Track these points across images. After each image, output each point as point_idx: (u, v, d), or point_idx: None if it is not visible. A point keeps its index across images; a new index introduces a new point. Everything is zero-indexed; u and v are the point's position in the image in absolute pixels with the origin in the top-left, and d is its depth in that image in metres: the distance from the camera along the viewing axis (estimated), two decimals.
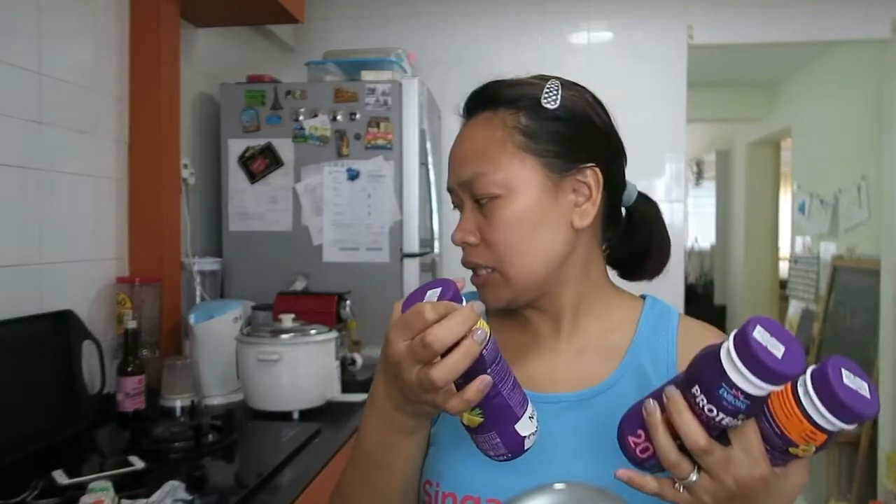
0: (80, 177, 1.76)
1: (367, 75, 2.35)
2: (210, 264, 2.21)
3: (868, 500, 3.35)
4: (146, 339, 1.83)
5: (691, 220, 7.04)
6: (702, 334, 0.81)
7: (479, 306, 0.61)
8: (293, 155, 2.32)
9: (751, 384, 0.54)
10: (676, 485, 0.61)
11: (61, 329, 1.60)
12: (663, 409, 0.60)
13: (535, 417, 0.66)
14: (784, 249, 5.84)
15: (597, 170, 0.77)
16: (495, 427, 0.64)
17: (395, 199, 2.28)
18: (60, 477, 1.24)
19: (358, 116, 2.29)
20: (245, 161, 2.33)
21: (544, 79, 0.79)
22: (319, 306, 2.02)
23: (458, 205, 0.80)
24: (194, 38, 2.34)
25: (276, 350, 1.71)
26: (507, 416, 0.64)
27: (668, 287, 3.42)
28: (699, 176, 7.28)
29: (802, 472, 0.61)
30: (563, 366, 0.81)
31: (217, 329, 1.89)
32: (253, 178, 2.33)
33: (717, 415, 0.56)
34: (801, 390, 0.56)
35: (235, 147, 2.34)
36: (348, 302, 2.07)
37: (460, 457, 0.77)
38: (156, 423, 1.59)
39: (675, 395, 0.59)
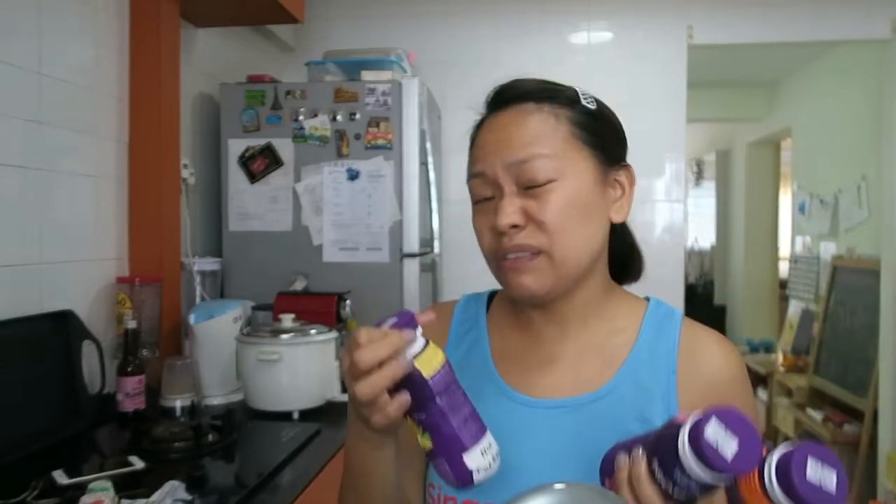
0: (80, 177, 1.76)
1: (367, 75, 2.35)
2: (210, 264, 2.21)
3: (868, 500, 3.35)
4: (146, 339, 1.83)
5: (691, 220, 7.03)
6: (704, 339, 0.81)
7: (408, 335, 0.65)
8: (293, 155, 2.32)
9: (702, 474, 0.56)
10: None
11: (61, 329, 1.60)
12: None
13: (491, 453, 0.67)
14: (784, 249, 5.84)
15: (631, 170, 0.82)
16: (443, 454, 0.66)
17: (395, 199, 2.28)
18: (60, 477, 1.24)
19: (358, 116, 2.29)
20: (245, 161, 2.33)
21: (566, 85, 0.82)
22: (319, 306, 2.02)
23: (486, 195, 0.79)
24: (194, 38, 2.34)
25: (276, 350, 1.71)
26: (455, 446, 0.65)
27: (668, 287, 3.41)
28: (699, 176, 7.28)
29: None
30: (564, 370, 0.81)
31: (217, 329, 1.89)
32: (253, 178, 2.33)
33: (673, 490, 0.58)
34: (766, 474, 0.57)
35: (235, 147, 2.34)
36: (348, 302, 2.07)
37: None
38: (156, 423, 1.59)
39: (637, 465, 0.61)
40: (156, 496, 1.16)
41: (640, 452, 0.61)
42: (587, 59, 3.04)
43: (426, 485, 0.82)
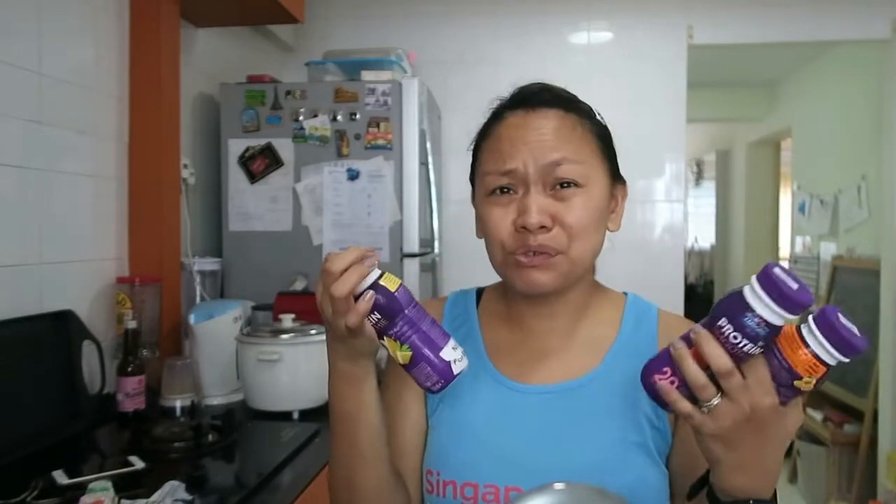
0: (80, 177, 1.76)
1: (367, 75, 2.35)
2: (210, 264, 2.21)
3: (868, 500, 3.35)
4: (146, 339, 1.83)
5: (691, 220, 7.04)
6: (678, 325, 0.85)
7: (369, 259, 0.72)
8: (293, 155, 2.32)
9: (772, 312, 0.62)
10: (702, 408, 0.65)
11: (61, 329, 1.60)
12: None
13: (459, 349, 0.75)
14: (784, 249, 5.84)
15: (626, 186, 0.89)
16: (424, 357, 0.73)
17: (395, 199, 2.28)
18: (60, 477, 1.24)
19: (358, 116, 2.29)
20: (245, 161, 2.33)
21: (577, 97, 0.88)
22: None
23: (506, 186, 0.81)
24: (194, 38, 2.34)
25: (276, 350, 1.71)
26: (431, 346, 0.73)
27: (669, 287, 3.40)
28: (699, 176, 7.28)
29: (799, 413, 0.67)
30: (553, 361, 0.85)
31: (217, 329, 1.89)
32: (253, 178, 2.33)
33: (741, 341, 0.63)
34: (804, 329, 0.64)
35: (235, 147, 2.34)
36: None
37: (459, 445, 0.82)
38: (156, 423, 1.60)
39: (702, 330, 0.65)
40: (156, 496, 1.16)
41: (699, 327, 0.66)
42: (587, 59, 3.04)
43: (424, 473, 0.85)
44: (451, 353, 0.74)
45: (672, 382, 0.68)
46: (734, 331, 0.63)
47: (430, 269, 2.55)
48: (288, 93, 2.32)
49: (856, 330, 0.63)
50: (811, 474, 3.80)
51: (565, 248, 0.79)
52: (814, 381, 0.64)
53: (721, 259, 6.80)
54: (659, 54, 3.01)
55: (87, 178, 1.78)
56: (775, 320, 0.63)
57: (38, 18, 1.60)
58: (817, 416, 3.80)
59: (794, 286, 0.62)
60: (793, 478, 4.11)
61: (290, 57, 3.06)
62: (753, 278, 0.64)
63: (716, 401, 0.65)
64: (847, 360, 0.63)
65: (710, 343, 0.64)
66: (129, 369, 1.70)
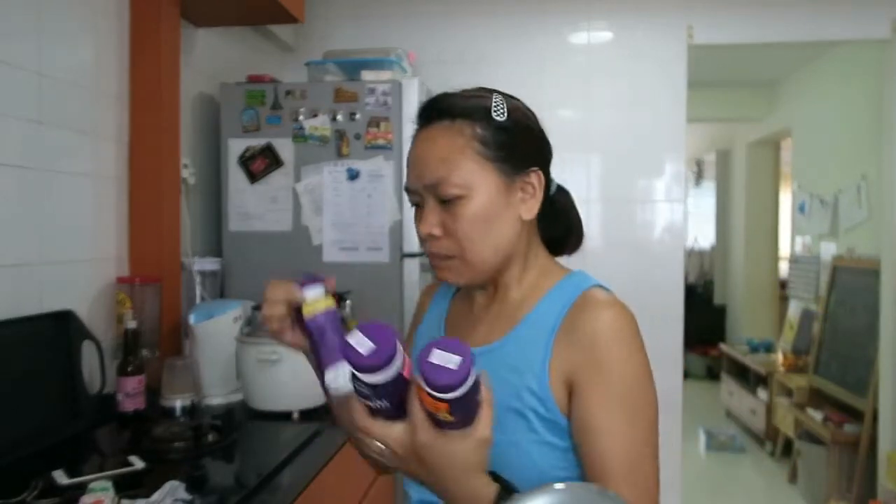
0: (80, 177, 1.76)
1: (367, 75, 2.35)
2: (210, 264, 2.21)
3: (868, 500, 3.35)
4: (146, 339, 1.83)
5: (691, 220, 7.04)
6: (591, 303, 0.87)
7: (297, 290, 0.86)
8: (293, 155, 2.31)
9: (369, 376, 0.68)
10: (377, 455, 0.76)
11: (61, 329, 1.60)
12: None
13: (342, 377, 0.79)
14: (784, 249, 5.85)
15: (540, 173, 0.92)
16: (319, 367, 0.83)
17: (395, 199, 2.28)
18: (60, 477, 1.24)
19: (358, 116, 2.29)
20: (245, 161, 2.33)
21: (489, 91, 0.92)
22: None
23: (417, 202, 0.92)
24: (194, 38, 2.34)
25: (276, 350, 1.71)
26: (321, 364, 0.82)
27: (668, 287, 3.40)
28: (699, 176, 7.28)
29: (473, 441, 0.72)
30: (480, 330, 0.95)
31: (217, 329, 1.89)
32: (253, 178, 2.33)
33: (364, 400, 0.72)
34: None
35: (235, 147, 2.34)
36: (348, 302, 2.07)
37: None
38: (156, 423, 1.60)
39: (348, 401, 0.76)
40: (156, 496, 1.16)
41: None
42: (587, 59, 3.04)
43: None
44: (330, 375, 0.80)
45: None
46: (356, 393, 0.72)
47: (430, 268, 2.55)
48: (288, 93, 2.32)
49: (453, 363, 0.66)
50: (811, 474, 3.80)
51: (456, 252, 0.89)
52: (447, 416, 0.68)
53: (721, 259, 6.80)
54: (659, 54, 3.01)
55: (87, 178, 1.78)
56: (371, 380, 0.68)
57: (38, 18, 1.60)
58: (817, 416, 3.80)
59: (363, 350, 0.67)
60: (793, 478, 4.11)
61: (290, 57, 3.06)
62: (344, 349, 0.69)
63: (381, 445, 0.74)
64: (451, 395, 0.66)
65: (349, 402, 0.75)
66: (129, 369, 1.70)
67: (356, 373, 0.68)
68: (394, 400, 0.71)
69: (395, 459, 0.75)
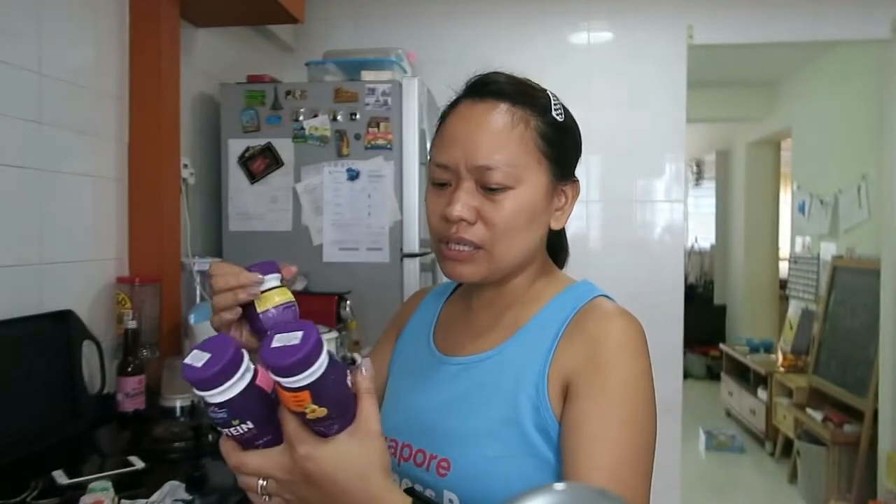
0: (80, 177, 1.76)
1: (367, 75, 2.35)
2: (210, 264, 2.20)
3: (868, 500, 3.35)
4: (146, 339, 1.83)
5: (691, 220, 7.04)
6: (598, 311, 0.82)
7: (254, 276, 0.71)
8: (293, 155, 2.32)
9: (206, 396, 0.61)
10: (261, 493, 0.65)
11: (61, 329, 1.60)
12: None
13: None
14: (784, 249, 5.84)
15: (578, 185, 0.89)
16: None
17: (395, 199, 2.28)
18: (60, 477, 1.24)
19: (358, 116, 2.29)
20: (245, 161, 2.33)
21: (541, 88, 0.87)
22: (319, 306, 2.02)
23: (446, 181, 0.83)
24: (194, 38, 2.34)
25: None
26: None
27: (668, 287, 3.39)
28: (699, 176, 7.28)
29: (347, 437, 0.63)
30: (477, 336, 0.89)
31: None
32: (253, 178, 2.33)
33: (224, 431, 0.63)
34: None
35: (235, 147, 2.34)
36: (348, 302, 2.07)
37: (387, 405, 0.92)
38: (156, 423, 1.60)
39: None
40: (156, 496, 1.16)
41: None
42: (587, 59, 3.04)
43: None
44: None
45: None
46: (218, 426, 0.64)
47: (431, 268, 2.55)
48: (288, 93, 2.32)
49: (297, 338, 0.58)
50: (811, 474, 3.80)
51: (486, 243, 0.81)
52: (315, 408, 0.59)
53: (721, 259, 6.80)
54: (659, 54, 3.01)
55: (87, 178, 1.78)
56: (212, 399, 0.61)
57: (38, 18, 1.60)
58: (817, 416, 3.80)
59: (200, 363, 0.60)
60: (793, 478, 4.11)
61: (290, 57, 3.06)
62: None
63: (262, 482, 0.64)
64: (305, 376, 0.57)
65: (221, 445, 0.67)
66: (129, 369, 1.70)
67: (205, 397, 0.60)
68: (259, 419, 0.62)
69: (281, 489, 0.64)
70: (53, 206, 1.65)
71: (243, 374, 0.60)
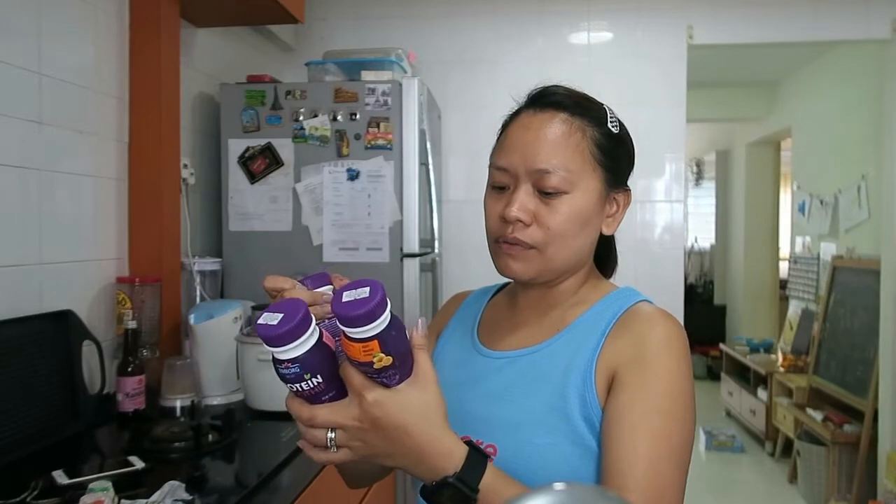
0: (80, 177, 1.76)
1: (367, 75, 2.35)
2: (210, 264, 2.21)
3: (868, 500, 3.35)
4: (146, 339, 1.83)
5: (691, 220, 7.05)
6: (645, 311, 0.86)
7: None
8: (293, 155, 2.32)
9: (278, 352, 0.64)
10: (329, 446, 0.70)
11: (61, 329, 1.60)
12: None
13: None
14: (784, 249, 5.85)
15: (630, 193, 0.93)
16: None
17: (395, 199, 2.28)
18: (60, 477, 1.24)
19: (358, 116, 2.29)
20: (245, 161, 2.33)
21: (597, 101, 0.92)
22: None
23: (505, 184, 0.88)
24: (194, 38, 2.34)
25: None
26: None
27: (668, 287, 3.39)
28: (699, 176, 7.28)
29: (415, 390, 0.69)
30: (523, 333, 0.93)
31: (217, 329, 1.89)
32: (253, 178, 2.33)
33: (293, 387, 0.67)
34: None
35: (235, 147, 2.34)
36: None
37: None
38: (156, 423, 1.60)
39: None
40: (156, 496, 1.16)
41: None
42: (587, 59, 3.04)
43: None
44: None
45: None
46: (286, 384, 0.67)
47: (431, 268, 2.55)
48: (288, 93, 2.32)
49: (365, 293, 0.64)
50: (811, 474, 3.80)
51: (540, 244, 0.86)
52: (382, 357, 0.65)
53: (721, 259, 6.80)
54: (659, 54, 3.01)
55: (87, 178, 1.78)
56: (283, 356, 0.65)
57: (38, 18, 1.60)
58: (817, 416, 3.80)
59: (275, 321, 0.64)
60: (793, 478, 4.11)
61: (290, 57, 3.06)
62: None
63: (331, 434, 0.69)
64: (375, 326, 0.63)
65: (289, 400, 0.71)
66: (129, 369, 1.70)
67: (276, 354, 0.65)
68: (326, 374, 0.67)
69: (350, 438, 0.69)
70: (53, 206, 1.65)
71: (312, 332, 0.65)
